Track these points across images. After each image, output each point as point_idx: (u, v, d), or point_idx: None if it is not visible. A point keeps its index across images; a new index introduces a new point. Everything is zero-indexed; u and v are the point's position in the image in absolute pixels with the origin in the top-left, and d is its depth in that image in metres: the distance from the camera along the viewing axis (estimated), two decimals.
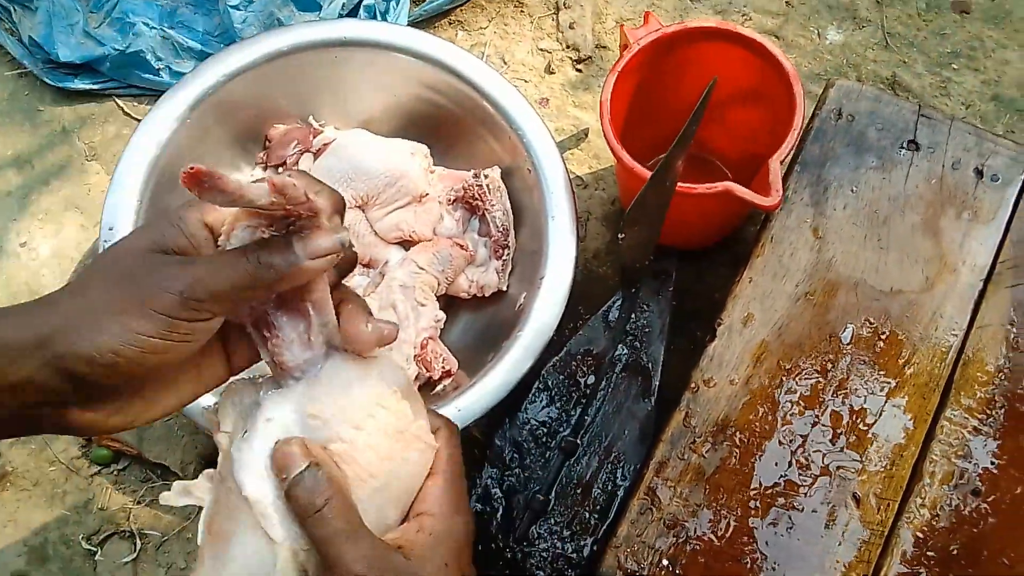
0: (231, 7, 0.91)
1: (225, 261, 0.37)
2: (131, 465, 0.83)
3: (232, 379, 0.43)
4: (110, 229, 0.73)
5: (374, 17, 0.95)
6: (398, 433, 0.41)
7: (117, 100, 0.98)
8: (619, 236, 0.44)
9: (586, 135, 0.93)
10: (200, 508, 0.40)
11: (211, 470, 0.41)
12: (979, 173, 0.73)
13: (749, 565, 0.62)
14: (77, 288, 0.37)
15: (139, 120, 0.76)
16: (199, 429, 0.81)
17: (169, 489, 0.41)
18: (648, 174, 0.68)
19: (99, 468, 0.83)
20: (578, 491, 0.70)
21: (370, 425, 0.40)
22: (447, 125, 0.84)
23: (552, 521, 0.70)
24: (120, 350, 0.35)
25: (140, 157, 0.75)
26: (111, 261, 0.37)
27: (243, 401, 0.41)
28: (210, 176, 0.34)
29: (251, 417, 0.40)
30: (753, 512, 0.64)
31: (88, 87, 0.97)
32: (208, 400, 0.61)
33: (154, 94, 0.97)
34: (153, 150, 0.75)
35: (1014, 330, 0.68)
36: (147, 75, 0.95)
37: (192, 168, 0.34)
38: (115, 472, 0.83)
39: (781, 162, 0.68)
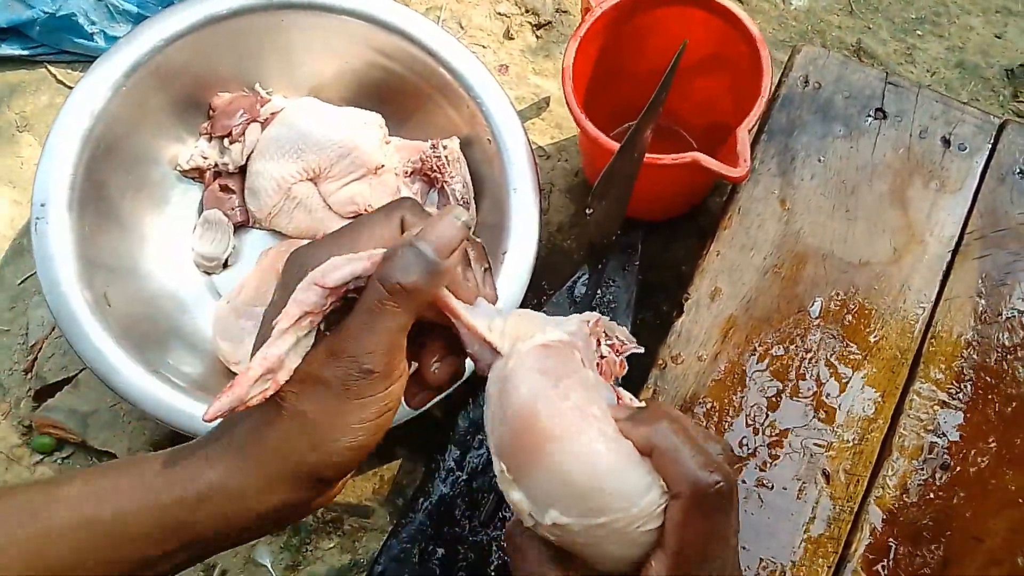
0: None
1: (358, 316, 0.37)
2: (75, 453, 0.79)
3: None
4: (42, 205, 0.68)
5: None
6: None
7: (49, 67, 0.92)
8: (587, 211, 0.41)
9: (547, 103, 0.90)
10: None
11: None
12: (946, 142, 0.72)
13: None
14: (282, 405, 0.37)
15: (72, 88, 0.71)
16: (145, 416, 0.77)
17: None
18: (612, 144, 0.66)
19: (41, 457, 0.79)
20: None
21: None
22: (402, 93, 0.80)
23: None
24: (366, 442, 0.38)
25: (73, 127, 0.70)
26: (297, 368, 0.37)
27: None
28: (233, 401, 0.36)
29: None
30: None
31: (17, 53, 0.91)
32: None
33: (88, 60, 0.91)
34: (87, 120, 0.70)
35: (982, 301, 0.67)
36: (80, 40, 0.89)
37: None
38: (58, 460, 0.79)
39: (749, 131, 0.66)
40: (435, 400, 0.46)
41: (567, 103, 0.68)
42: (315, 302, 0.36)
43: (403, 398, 0.41)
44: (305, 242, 0.78)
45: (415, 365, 0.42)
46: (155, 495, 0.36)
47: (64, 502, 0.35)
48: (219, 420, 0.36)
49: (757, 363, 0.66)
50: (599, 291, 0.74)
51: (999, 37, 0.93)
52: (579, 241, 0.84)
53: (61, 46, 0.91)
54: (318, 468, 0.38)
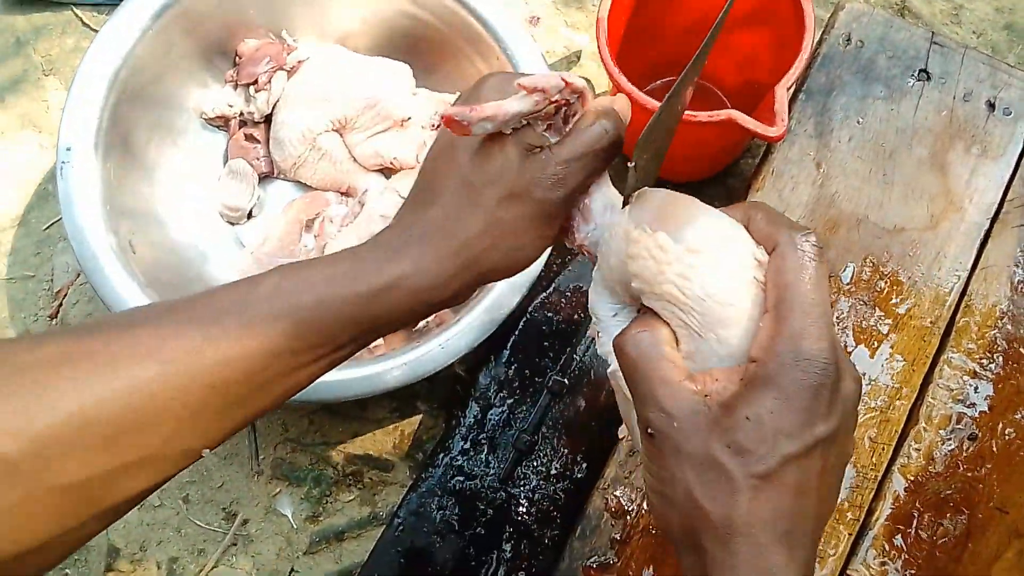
0: None
1: (585, 137, 0.40)
2: None
3: None
4: (68, 149, 0.67)
5: None
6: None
7: (75, 9, 0.91)
8: (629, 163, 0.40)
9: (578, 58, 0.88)
10: None
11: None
12: (991, 106, 0.70)
13: None
14: (479, 205, 0.40)
15: (99, 32, 0.70)
16: None
17: None
18: (646, 100, 0.64)
19: None
20: (564, 432, 0.68)
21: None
22: (431, 44, 0.79)
23: (537, 462, 0.68)
24: (533, 256, 0.42)
25: (99, 70, 0.69)
26: (503, 176, 0.40)
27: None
28: (466, 114, 0.37)
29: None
30: None
31: None
32: None
33: (115, 3, 0.90)
34: (113, 62, 0.69)
35: (1019, 271, 0.65)
36: None
37: (444, 117, 0.38)
38: None
39: (787, 89, 0.64)
40: None
41: (601, 56, 0.67)
42: (546, 94, 0.39)
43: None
44: (329, 194, 0.77)
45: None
46: (350, 285, 0.39)
47: (265, 295, 0.38)
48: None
49: None
50: None
51: None
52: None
53: None
54: (495, 268, 0.41)
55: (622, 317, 0.42)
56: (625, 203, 0.41)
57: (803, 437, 0.33)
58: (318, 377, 0.41)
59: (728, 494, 0.33)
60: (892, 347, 0.64)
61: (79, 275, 0.81)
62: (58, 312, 0.80)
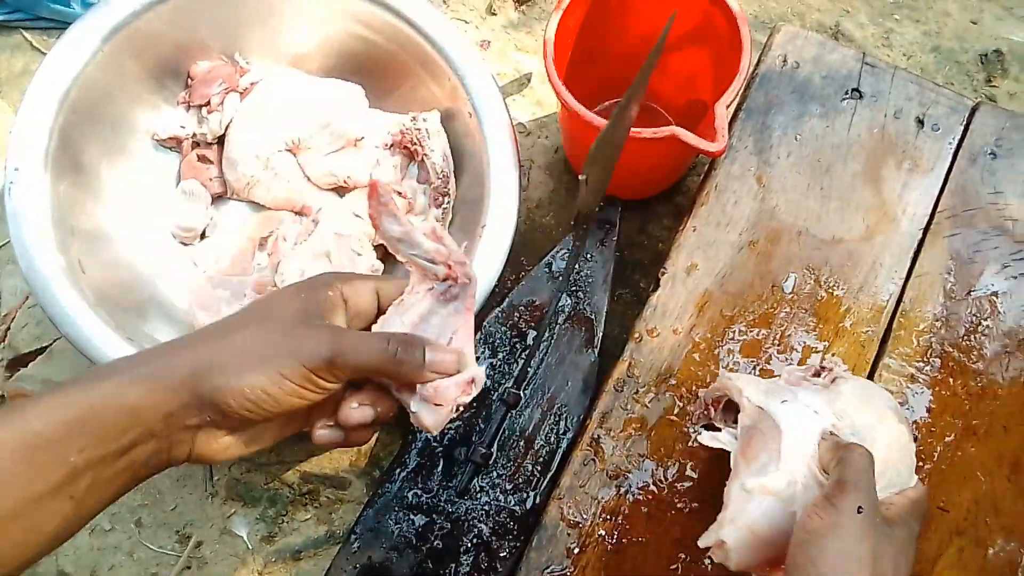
0: None
1: (371, 342, 0.44)
2: None
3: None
4: (16, 169, 0.67)
5: None
6: (899, 447, 0.54)
7: (24, 33, 0.91)
8: (580, 176, 0.42)
9: (528, 80, 0.91)
10: None
11: (733, 427, 0.56)
12: (920, 122, 0.73)
13: (689, 513, 0.62)
14: (231, 327, 0.43)
15: (47, 53, 0.70)
16: None
17: None
18: (593, 118, 0.66)
19: None
20: (521, 443, 0.69)
21: (886, 444, 0.53)
22: (384, 66, 0.80)
23: (495, 474, 0.69)
24: (269, 390, 0.41)
25: (49, 91, 0.69)
26: (267, 309, 0.44)
27: (769, 388, 0.56)
28: (388, 198, 0.42)
29: (782, 396, 0.54)
30: (695, 463, 0.64)
31: None
32: None
33: (65, 26, 0.90)
34: (63, 83, 0.69)
35: (951, 278, 0.68)
36: (57, 6, 0.88)
37: (375, 182, 0.43)
38: None
39: (727, 107, 0.66)
40: (331, 448, 0.51)
41: (548, 75, 0.69)
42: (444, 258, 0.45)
43: (307, 422, 0.47)
44: (283, 213, 0.78)
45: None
46: (66, 401, 0.39)
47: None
48: None
49: (731, 337, 0.67)
50: (577, 266, 0.75)
51: (975, 23, 0.94)
52: (558, 218, 0.85)
53: (37, 12, 0.89)
54: (226, 389, 0.41)
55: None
56: (576, 220, 0.43)
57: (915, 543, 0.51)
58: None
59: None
60: (834, 353, 0.66)
61: (27, 298, 0.80)
62: (5, 336, 0.79)
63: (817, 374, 0.57)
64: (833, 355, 0.66)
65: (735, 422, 0.56)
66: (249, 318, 0.44)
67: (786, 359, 0.66)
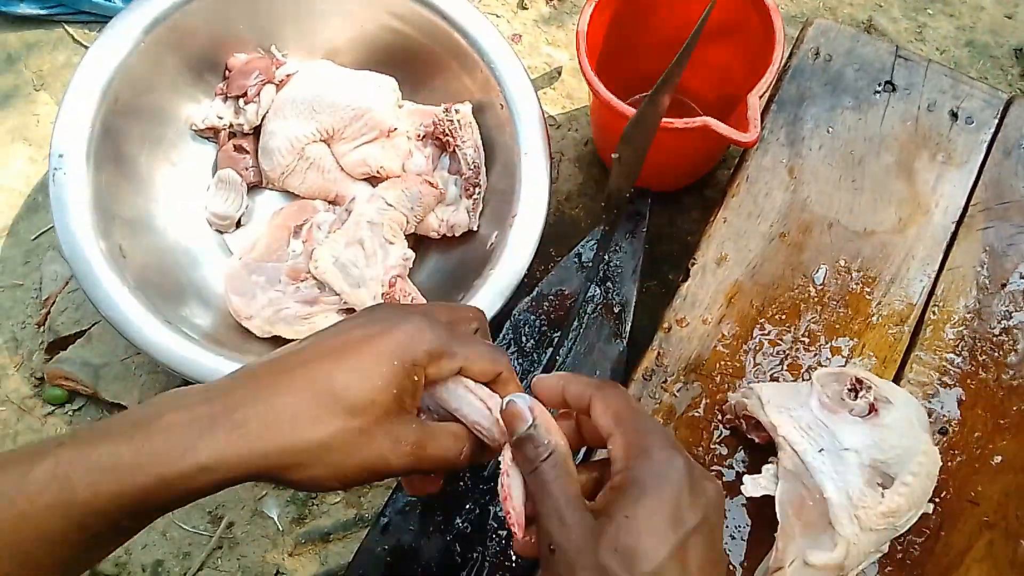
0: None
1: (447, 437, 0.43)
2: (86, 405, 0.80)
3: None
4: (60, 156, 0.69)
5: None
6: (932, 476, 0.56)
7: (66, 26, 0.93)
8: (613, 155, 0.42)
9: (559, 74, 0.91)
10: None
11: (771, 465, 0.57)
12: (954, 115, 0.73)
13: None
14: (305, 415, 0.38)
15: (89, 47, 0.72)
16: (157, 368, 0.79)
17: None
18: (624, 107, 0.66)
19: (52, 408, 0.80)
20: None
21: (921, 472, 0.55)
22: (417, 58, 0.81)
23: None
24: (357, 479, 0.40)
25: (92, 81, 0.71)
26: (348, 398, 0.39)
27: (802, 417, 0.57)
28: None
29: (821, 436, 0.56)
30: (725, 454, 0.64)
31: (35, 12, 0.92)
32: None
33: (106, 20, 0.92)
34: (105, 75, 0.71)
35: (984, 272, 0.68)
36: (98, 0, 0.90)
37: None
38: (70, 412, 0.80)
39: (759, 98, 0.67)
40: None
41: (580, 66, 0.69)
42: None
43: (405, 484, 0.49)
44: (317, 202, 0.79)
45: None
46: (134, 474, 0.36)
47: (38, 483, 0.35)
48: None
49: (761, 327, 0.67)
50: (606, 256, 0.75)
51: (1009, 17, 0.93)
52: (587, 210, 0.85)
53: (79, 6, 0.91)
54: (290, 478, 0.39)
55: None
56: (606, 203, 0.44)
57: (676, 530, 0.37)
58: (108, 555, 0.39)
59: None
60: (864, 345, 0.66)
61: (67, 283, 0.82)
62: (46, 319, 0.81)
63: (853, 390, 0.57)
64: (863, 359, 0.66)
65: (769, 442, 0.59)
66: (326, 404, 0.39)
67: (815, 353, 0.66)
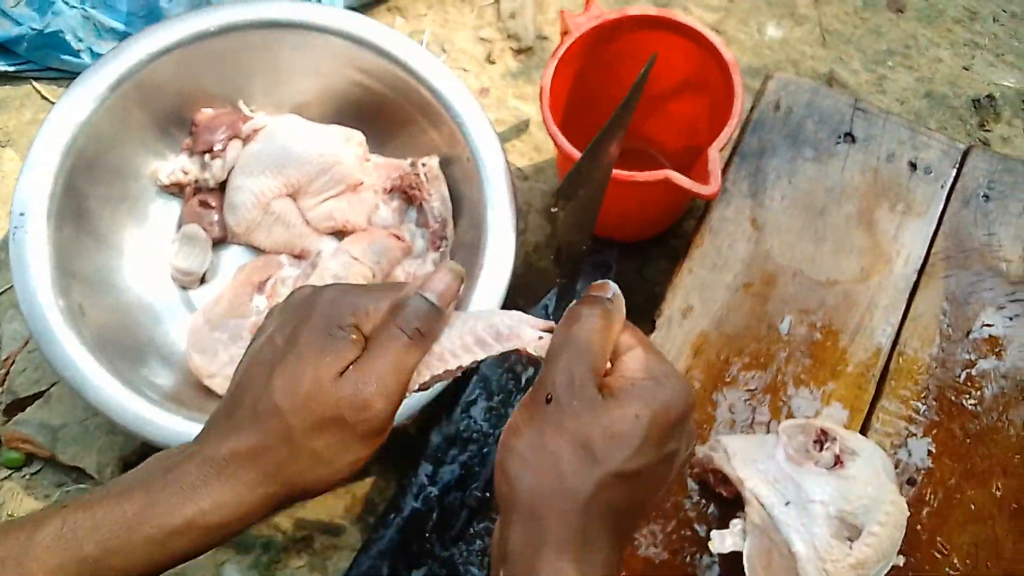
0: None
1: (388, 349, 0.39)
2: (44, 468, 0.78)
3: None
4: (21, 215, 0.68)
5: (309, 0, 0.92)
6: (900, 526, 0.55)
7: (34, 83, 0.93)
8: (552, 209, 0.42)
9: (527, 126, 0.92)
10: None
11: (738, 520, 0.57)
12: (913, 166, 0.74)
13: (690, 561, 0.61)
14: (287, 432, 0.38)
15: (55, 103, 0.72)
16: (115, 430, 0.77)
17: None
18: None
19: (9, 472, 0.78)
20: None
21: (889, 522, 0.54)
22: (384, 112, 0.82)
23: (490, 518, 0.68)
24: (348, 476, 0.40)
25: (55, 138, 0.70)
26: (313, 402, 0.38)
27: (768, 470, 0.57)
28: None
29: (787, 489, 0.55)
30: (694, 508, 0.63)
31: (2, 69, 0.92)
32: None
33: (74, 77, 0.92)
34: (69, 131, 0.71)
35: (947, 320, 0.68)
36: (67, 57, 0.90)
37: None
38: (27, 476, 0.78)
39: (720, 151, 0.67)
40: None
41: (544, 121, 0.70)
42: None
43: None
44: (282, 256, 0.79)
45: None
46: (139, 528, 0.37)
47: (45, 544, 0.36)
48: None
49: (728, 379, 0.67)
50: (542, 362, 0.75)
51: (966, 69, 0.95)
52: (555, 256, 0.85)
53: (47, 63, 0.92)
54: (303, 492, 0.40)
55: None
56: (556, 257, 0.43)
57: (662, 448, 0.39)
58: None
59: (589, 476, 0.37)
60: (831, 395, 0.66)
61: (27, 342, 0.80)
62: (4, 380, 0.79)
63: (819, 441, 0.57)
64: (830, 408, 0.66)
65: (737, 495, 0.58)
66: (301, 415, 0.39)
67: (782, 403, 0.66)
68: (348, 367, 0.39)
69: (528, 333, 0.42)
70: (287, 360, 0.39)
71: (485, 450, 0.70)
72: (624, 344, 0.42)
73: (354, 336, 0.40)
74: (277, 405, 0.38)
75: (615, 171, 0.63)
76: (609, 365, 0.41)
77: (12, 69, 0.92)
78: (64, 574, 0.36)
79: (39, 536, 0.36)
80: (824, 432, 0.58)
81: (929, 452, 0.64)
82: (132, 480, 0.39)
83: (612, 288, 0.42)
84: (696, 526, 0.62)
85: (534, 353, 0.42)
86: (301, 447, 0.38)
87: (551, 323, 0.43)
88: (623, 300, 0.42)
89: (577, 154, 0.67)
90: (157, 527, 0.37)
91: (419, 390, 0.43)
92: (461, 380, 0.69)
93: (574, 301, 0.42)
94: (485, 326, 0.43)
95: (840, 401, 0.66)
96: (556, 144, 0.69)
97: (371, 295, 0.41)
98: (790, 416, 0.65)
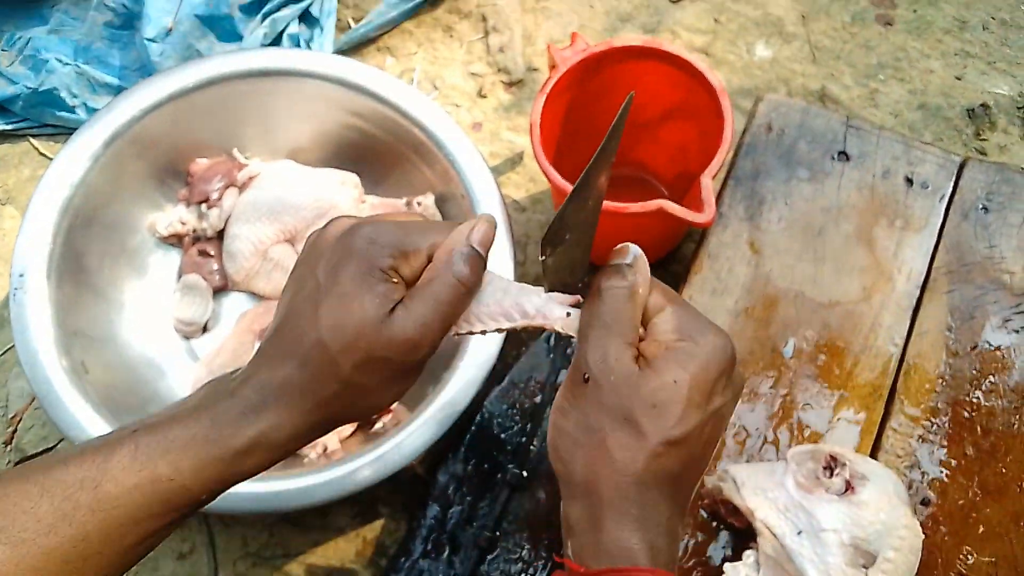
0: (148, 40, 0.88)
1: (438, 293, 0.41)
2: None
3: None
4: (21, 275, 0.69)
5: (297, 46, 0.93)
6: (915, 550, 0.55)
7: (32, 140, 0.94)
8: (540, 257, 0.42)
9: (521, 158, 0.92)
10: None
11: (751, 552, 0.57)
12: (909, 181, 0.74)
13: None
14: (337, 372, 0.40)
15: (52, 160, 0.73)
16: None
17: None
18: None
19: None
20: (526, 525, 0.68)
21: (904, 547, 0.54)
22: (378, 153, 0.82)
23: (501, 559, 0.67)
24: (390, 403, 0.43)
25: (52, 198, 0.71)
26: (361, 341, 0.40)
27: (779, 499, 0.56)
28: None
29: (799, 518, 0.55)
30: (706, 539, 0.62)
31: (0, 128, 0.93)
32: None
33: (70, 132, 0.93)
34: (65, 190, 0.71)
35: (952, 336, 0.68)
36: (62, 113, 0.91)
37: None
38: None
39: (713, 178, 0.67)
40: None
41: (535, 156, 0.70)
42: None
43: None
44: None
45: None
46: (207, 448, 0.39)
47: (121, 466, 0.38)
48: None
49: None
50: (573, 340, 0.74)
51: (959, 79, 0.95)
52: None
53: (43, 119, 0.93)
54: (352, 418, 0.43)
55: None
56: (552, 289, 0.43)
57: (706, 408, 0.39)
58: (179, 527, 0.41)
59: (637, 449, 0.38)
60: (839, 418, 0.65)
61: (33, 399, 0.80)
62: (12, 438, 0.80)
63: (828, 468, 0.56)
64: (839, 431, 0.65)
65: (749, 526, 0.58)
66: (358, 356, 0.40)
67: (789, 428, 0.65)
68: (393, 308, 0.40)
69: (556, 312, 0.43)
70: (330, 298, 0.40)
71: (493, 489, 0.69)
72: (654, 305, 0.41)
73: (395, 279, 0.41)
74: (325, 343, 0.40)
75: (607, 203, 0.63)
76: (642, 330, 0.41)
77: (9, 127, 0.93)
78: (140, 493, 0.37)
79: (115, 458, 0.38)
80: (833, 458, 0.57)
81: (942, 471, 0.63)
82: (197, 403, 0.41)
83: (632, 251, 0.42)
84: (709, 558, 0.62)
85: (563, 331, 0.43)
86: (349, 383, 0.40)
87: (577, 297, 0.43)
88: (645, 261, 0.42)
89: (569, 188, 0.67)
90: (224, 447, 0.39)
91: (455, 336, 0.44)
92: (464, 418, 0.68)
93: (598, 272, 0.42)
94: (512, 303, 0.43)
95: (849, 423, 0.65)
96: (549, 179, 0.69)
97: (410, 236, 0.42)
98: (799, 441, 0.64)
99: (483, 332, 0.44)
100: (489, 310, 0.43)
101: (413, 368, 0.42)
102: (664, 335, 0.40)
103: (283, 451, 0.41)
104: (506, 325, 0.43)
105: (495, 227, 0.43)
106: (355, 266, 0.40)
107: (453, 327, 0.43)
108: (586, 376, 0.39)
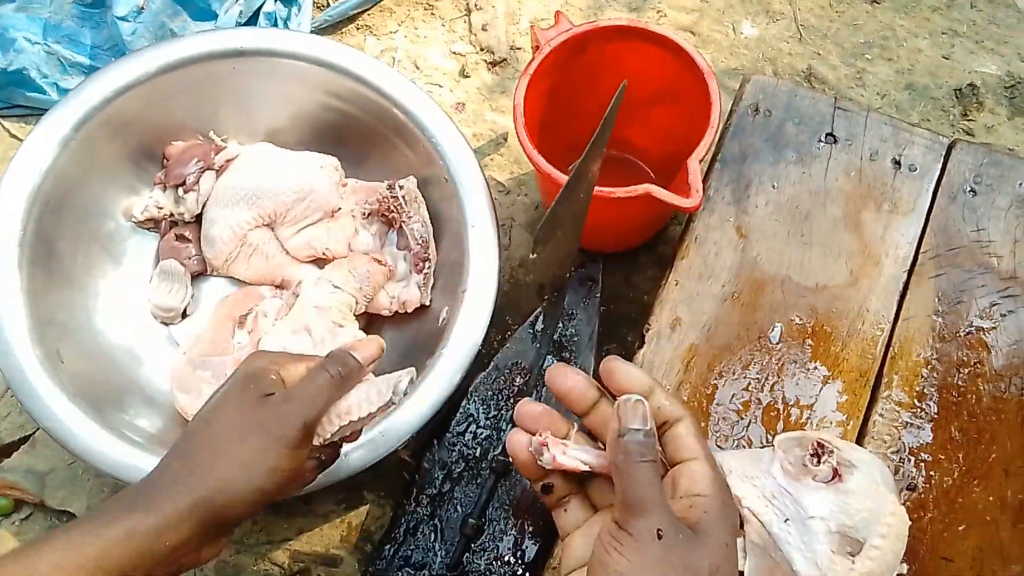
0: (119, 19, 0.85)
1: (314, 381, 0.50)
2: (33, 514, 0.77)
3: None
4: None
5: (275, 25, 0.91)
6: (902, 537, 0.55)
7: (2, 121, 0.91)
8: (531, 255, 0.41)
9: (505, 139, 0.91)
10: None
11: (738, 539, 0.55)
12: (897, 164, 0.73)
13: None
14: (213, 445, 0.48)
15: (23, 142, 0.70)
16: (102, 474, 0.76)
17: None
18: (563, 179, 0.66)
19: None
20: (511, 512, 0.67)
21: (891, 534, 0.54)
22: (358, 135, 0.80)
23: (486, 545, 0.67)
24: (270, 489, 0.47)
25: (20, 184, 0.69)
26: (234, 418, 0.48)
27: (765, 486, 0.56)
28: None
29: (786, 505, 0.55)
30: None
31: None
32: None
33: (42, 113, 0.90)
34: (35, 176, 0.69)
35: (940, 320, 0.67)
36: (32, 93, 0.89)
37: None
38: (16, 522, 0.77)
39: (700, 161, 0.66)
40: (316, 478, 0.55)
41: (519, 139, 0.69)
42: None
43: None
44: (263, 288, 0.77)
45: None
46: (79, 544, 0.44)
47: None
48: None
49: (720, 391, 0.66)
50: (561, 325, 0.74)
51: (947, 58, 0.94)
52: (536, 287, 0.84)
53: (13, 100, 0.90)
54: (230, 506, 0.47)
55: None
56: (540, 293, 0.43)
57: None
58: None
59: None
60: (825, 403, 0.65)
61: (8, 389, 0.78)
62: None
63: (815, 455, 0.56)
64: (825, 417, 0.65)
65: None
66: (219, 429, 0.48)
67: (776, 414, 0.65)
68: (271, 394, 0.49)
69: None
70: (214, 399, 0.50)
71: (479, 476, 0.69)
72: (687, 449, 0.46)
73: (273, 377, 0.50)
74: (206, 420, 0.49)
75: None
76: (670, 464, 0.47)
77: None
78: None
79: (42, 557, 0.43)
80: (820, 444, 0.57)
81: (929, 456, 0.63)
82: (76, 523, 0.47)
83: (641, 414, 0.45)
84: None
85: (568, 466, 0.48)
86: (226, 452, 0.46)
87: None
88: (654, 428, 0.46)
89: (556, 174, 0.66)
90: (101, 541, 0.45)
91: (323, 445, 0.51)
92: (449, 404, 0.68)
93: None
94: (384, 386, 0.52)
95: (835, 409, 0.65)
96: (534, 164, 0.68)
97: (291, 356, 0.53)
98: (786, 428, 0.64)
99: (360, 422, 0.52)
100: (367, 396, 0.52)
101: (289, 442, 0.48)
102: (701, 491, 0.44)
103: (154, 543, 0.45)
104: (376, 403, 0.51)
105: (382, 350, 0.55)
106: (237, 377, 0.51)
107: (327, 429, 0.51)
108: (659, 532, 0.42)
